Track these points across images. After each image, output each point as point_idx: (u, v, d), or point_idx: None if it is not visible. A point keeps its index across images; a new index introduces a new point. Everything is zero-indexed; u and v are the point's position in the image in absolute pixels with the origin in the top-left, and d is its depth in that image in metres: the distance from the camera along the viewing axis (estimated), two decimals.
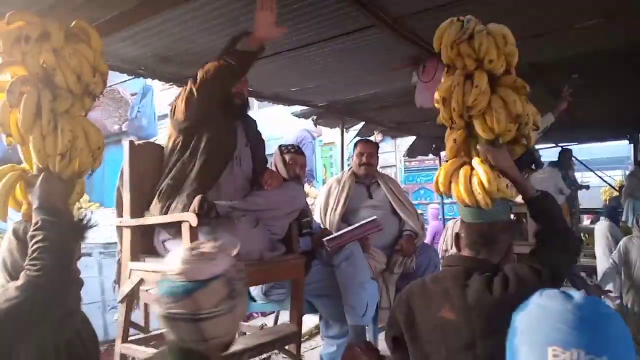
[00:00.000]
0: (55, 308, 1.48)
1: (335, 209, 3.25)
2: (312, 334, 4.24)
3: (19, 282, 1.42)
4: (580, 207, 7.57)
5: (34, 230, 1.48)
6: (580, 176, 9.40)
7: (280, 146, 2.95)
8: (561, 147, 6.90)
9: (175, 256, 1.31)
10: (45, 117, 1.61)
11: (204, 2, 2.21)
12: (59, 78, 1.65)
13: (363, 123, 5.40)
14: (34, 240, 1.46)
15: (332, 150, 10.37)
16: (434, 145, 6.79)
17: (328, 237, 2.77)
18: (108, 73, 1.84)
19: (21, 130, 1.62)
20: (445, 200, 7.43)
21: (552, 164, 6.18)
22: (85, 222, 1.61)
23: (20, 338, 1.40)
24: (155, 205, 2.21)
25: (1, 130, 1.63)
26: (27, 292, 1.39)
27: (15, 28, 1.63)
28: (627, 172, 7.64)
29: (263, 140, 2.53)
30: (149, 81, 4.61)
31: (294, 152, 2.90)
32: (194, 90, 2.14)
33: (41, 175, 1.61)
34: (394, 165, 10.84)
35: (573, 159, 6.87)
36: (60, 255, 1.48)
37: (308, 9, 2.36)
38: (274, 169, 2.78)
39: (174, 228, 2.15)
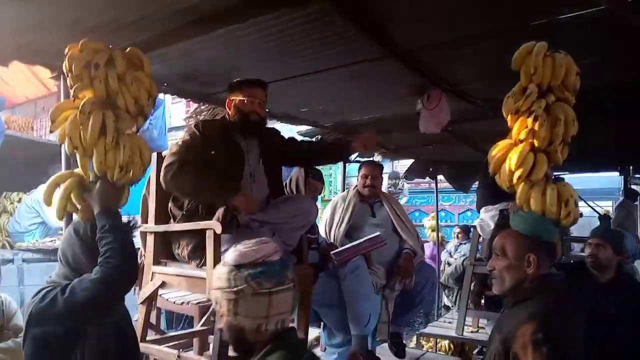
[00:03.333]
0: (122, 297, 1.72)
1: (340, 225, 3.39)
2: (311, 345, 4.36)
3: (94, 276, 1.67)
4: (571, 235, 7.75)
5: (103, 232, 1.72)
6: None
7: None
8: (554, 177, 7.10)
9: (237, 250, 1.43)
10: (110, 135, 1.87)
11: (230, 30, 2.41)
12: (120, 101, 1.91)
13: None
14: (104, 242, 1.71)
15: (332, 169, 10.56)
16: (430, 169, 6.99)
17: (335, 251, 2.93)
18: (157, 95, 2.07)
19: (87, 143, 1.85)
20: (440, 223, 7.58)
21: None
22: (131, 224, 1.83)
23: (92, 321, 1.68)
24: (181, 223, 2.36)
25: (69, 142, 1.83)
26: (102, 285, 1.65)
27: (86, 54, 1.89)
28: (617, 203, 7.84)
29: (279, 158, 2.68)
30: (161, 94, 4.81)
31: (317, 179, 3.09)
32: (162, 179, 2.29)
33: (99, 183, 1.85)
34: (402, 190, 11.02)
35: None
36: (127, 253, 1.73)
37: (327, 39, 2.56)
38: (293, 183, 2.96)
39: (194, 242, 2.30)
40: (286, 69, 3.04)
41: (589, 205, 8.73)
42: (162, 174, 2.28)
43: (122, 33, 2.37)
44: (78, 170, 1.95)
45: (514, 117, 1.95)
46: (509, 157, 1.95)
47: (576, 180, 8.59)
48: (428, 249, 7.48)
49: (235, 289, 1.34)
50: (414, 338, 4.86)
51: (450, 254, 7.82)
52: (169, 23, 2.31)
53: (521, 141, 1.94)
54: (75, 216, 2.02)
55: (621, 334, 2.36)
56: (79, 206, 1.90)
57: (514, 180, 1.94)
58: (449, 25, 2.43)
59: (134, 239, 1.88)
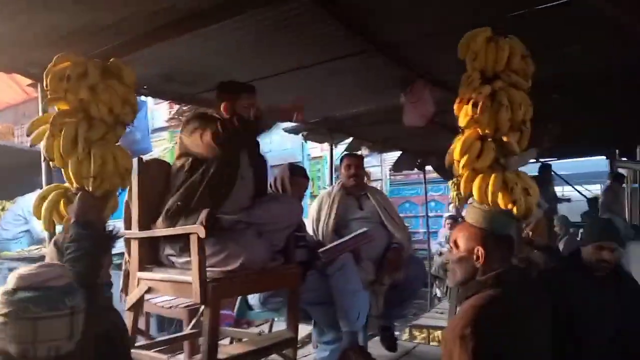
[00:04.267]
0: (88, 305, 1.68)
1: (327, 221, 3.37)
2: (303, 343, 4.37)
3: None
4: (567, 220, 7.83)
5: (68, 242, 1.71)
6: (561, 190, 9.70)
7: (290, 165, 3.10)
8: (541, 162, 7.15)
9: (18, 273, 1.41)
10: (80, 145, 1.87)
11: (210, 29, 2.38)
12: (93, 110, 1.90)
13: (351, 139, 5.57)
14: (68, 251, 1.70)
15: (320, 164, 10.57)
16: (419, 161, 7.01)
17: (322, 249, 2.92)
18: (137, 104, 2.05)
19: (62, 155, 1.87)
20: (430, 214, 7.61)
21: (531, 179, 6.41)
22: (113, 233, 1.81)
23: None
24: (162, 223, 2.33)
25: (47, 155, 1.84)
26: None
27: (60, 68, 1.91)
28: (604, 186, 7.93)
29: (265, 162, 2.69)
30: (143, 97, 4.77)
31: (302, 176, 3.07)
32: (215, 144, 2.23)
33: (78, 194, 1.85)
34: (380, 179, 11.05)
35: (553, 173, 7.13)
36: (90, 264, 1.70)
37: (306, 34, 2.55)
38: (279, 182, 2.94)
39: (180, 244, 2.29)
40: (267, 66, 3.02)
41: (577, 190, 8.84)
42: (212, 140, 2.20)
43: (99, 37, 2.33)
44: (66, 183, 1.95)
45: (459, 106, 1.92)
46: (454, 145, 1.91)
47: (564, 165, 8.72)
48: None
49: (2, 312, 1.32)
50: (407, 330, 4.88)
51: (441, 244, 7.86)
52: (146, 25, 2.28)
53: (464, 129, 1.90)
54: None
55: (624, 328, 2.24)
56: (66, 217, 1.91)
57: (460, 169, 1.90)
58: (429, 18, 2.43)
59: (113, 247, 1.85)
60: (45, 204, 1.91)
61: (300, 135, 5.11)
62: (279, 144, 9.62)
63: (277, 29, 2.45)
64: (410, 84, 3.33)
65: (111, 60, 2.02)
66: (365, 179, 3.82)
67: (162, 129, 9.50)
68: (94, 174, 1.86)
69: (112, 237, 1.85)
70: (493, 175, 1.83)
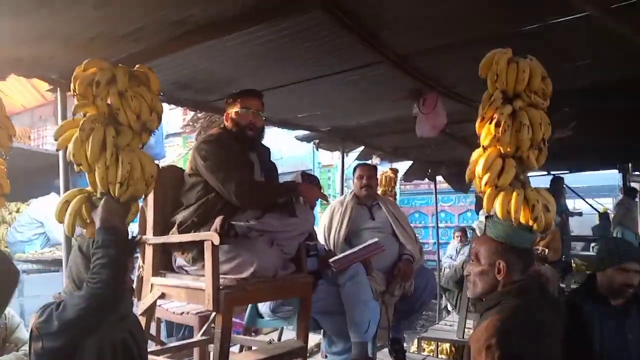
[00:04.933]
0: (112, 313, 1.74)
1: (339, 231, 3.38)
2: (312, 352, 4.37)
3: (82, 291, 1.69)
4: (572, 234, 7.77)
5: (96, 248, 1.73)
6: (573, 203, 9.63)
7: (303, 173, 3.12)
8: (553, 175, 7.12)
9: None
10: (109, 151, 1.88)
11: (225, 40, 2.41)
12: (121, 117, 1.92)
13: (362, 147, 5.60)
14: (95, 257, 1.71)
15: (330, 172, 10.58)
16: (429, 171, 7.01)
17: (333, 258, 2.92)
18: (163, 111, 2.09)
19: (89, 160, 1.88)
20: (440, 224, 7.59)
21: None
22: (136, 239, 1.84)
23: (84, 337, 1.68)
24: (178, 235, 2.36)
25: (74, 160, 1.88)
26: (88, 300, 1.66)
27: (89, 74, 1.91)
28: (616, 200, 7.86)
29: (276, 168, 2.72)
30: None
31: (314, 185, 3.07)
32: (237, 201, 2.35)
33: (103, 199, 1.87)
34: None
35: (565, 186, 7.10)
36: (116, 270, 1.72)
37: (319, 45, 2.57)
38: None
39: (192, 253, 2.33)
40: (282, 76, 3.05)
41: (588, 203, 8.78)
42: (234, 197, 2.32)
43: (117, 45, 2.39)
44: (88, 187, 1.97)
45: (481, 124, 1.96)
46: (477, 162, 1.95)
47: (576, 178, 8.66)
48: None
49: None
50: (415, 342, 4.85)
51: (451, 257, 7.81)
52: (164, 34, 2.33)
53: (487, 147, 1.94)
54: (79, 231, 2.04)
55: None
56: (89, 222, 1.91)
57: (482, 187, 1.94)
58: (442, 31, 2.44)
59: (136, 254, 1.88)
60: (69, 208, 1.90)
61: (312, 143, 5.13)
62: (290, 151, 9.65)
63: (291, 40, 2.48)
64: (423, 95, 3.35)
65: (137, 66, 2.04)
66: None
67: (176, 135, 9.58)
68: (121, 179, 1.86)
69: (136, 242, 1.88)
70: (515, 193, 1.88)
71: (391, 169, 5.65)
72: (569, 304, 2.36)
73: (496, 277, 1.75)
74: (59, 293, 1.85)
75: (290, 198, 2.46)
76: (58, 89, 2.77)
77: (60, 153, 2.70)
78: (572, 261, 5.97)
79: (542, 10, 2.22)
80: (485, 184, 1.91)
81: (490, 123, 1.89)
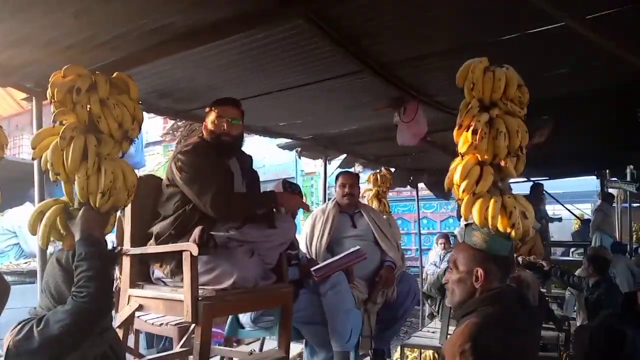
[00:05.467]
0: (97, 327, 1.68)
1: (321, 239, 3.37)
2: None
3: (67, 306, 1.62)
4: (552, 239, 7.87)
5: (79, 260, 1.67)
6: (552, 209, 9.76)
7: (284, 181, 3.10)
8: (533, 181, 7.21)
9: None
10: (91, 160, 1.82)
11: (205, 48, 2.40)
12: (103, 125, 1.87)
13: (345, 155, 5.60)
14: (79, 270, 1.66)
15: (313, 180, 10.58)
16: (411, 178, 7.04)
17: (315, 267, 2.91)
18: (143, 120, 2.04)
19: (68, 169, 1.81)
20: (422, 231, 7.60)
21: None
22: (116, 251, 1.79)
23: (67, 353, 1.62)
24: (156, 246, 2.32)
25: (51, 169, 1.81)
26: (74, 316, 1.60)
27: (69, 80, 1.85)
28: (595, 206, 8.00)
29: (258, 177, 2.69)
30: None
31: (295, 194, 3.04)
32: (213, 213, 2.32)
33: (82, 210, 1.81)
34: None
35: (544, 192, 7.18)
36: (102, 282, 1.68)
37: (300, 54, 2.58)
38: None
39: (170, 267, 2.29)
40: (263, 84, 3.05)
41: (567, 209, 8.90)
42: (210, 209, 2.29)
43: (96, 53, 2.35)
44: (63, 197, 1.90)
45: (459, 132, 1.98)
46: (455, 170, 1.96)
47: (555, 184, 8.79)
48: None
49: None
50: (398, 349, 4.84)
51: (435, 264, 7.83)
52: (143, 42, 2.30)
53: (464, 155, 1.95)
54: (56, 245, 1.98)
55: None
56: (64, 234, 1.85)
57: (460, 194, 1.95)
58: (422, 41, 2.47)
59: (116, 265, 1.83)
60: (44, 219, 1.84)
61: (294, 151, 5.12)
62: (273, 159, 9.63)
63: (272, 49, 2.48)
64: (404, 104, 3.36)
65: (116, 74, 1.99)
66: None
67: (156, 143, 9.48)
68: (104, 189, 1.81)
69: (117, 254, 1.83)
70: (492, 200, 1.88)
71: (386, 168, 5.59)
72: (608, 329, 2.25)
73: (474, 285, 1.75)
74: (34, 308, 1.79)
75: (269, 209, 2.44)
76: (33, 97, 2.72)
77: (36, 162, 2.64)
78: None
79: (520, 20, 2.26)
80: (463, 191, 1.92)
81: (468, 131, 1.90)
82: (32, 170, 2.72)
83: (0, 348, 2.97)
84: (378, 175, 5.44)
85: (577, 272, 4.71)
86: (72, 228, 1.80)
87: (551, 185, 8.22)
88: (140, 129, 2.02)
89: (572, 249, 8.35)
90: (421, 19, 2.23)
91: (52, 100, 1.86)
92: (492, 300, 1.71)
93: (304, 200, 2.99)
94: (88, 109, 1.87)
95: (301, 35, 2.34)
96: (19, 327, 1.64)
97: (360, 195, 4.57)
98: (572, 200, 10.16)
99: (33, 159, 2.02)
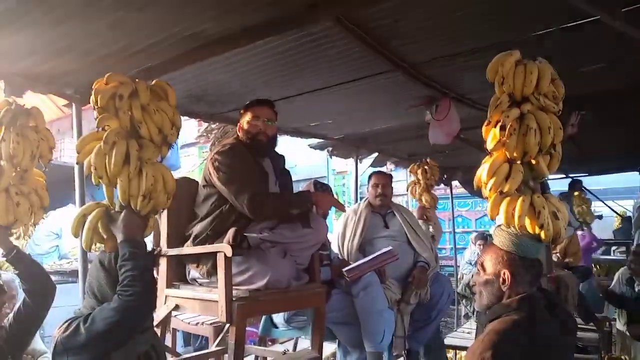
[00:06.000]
0: (142, 325, 1.76)
1: (353, 239, 3.37)
2: None
3: (113, 304, 1.69)
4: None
5: (123, 260, 1.74)
6: (593, 206, 9.45)
7: (315, 181, 3.12)
8: (571, 178, 7.01)
9: None
10: (133, 164, 1.89)
11: (237, 52, 2.44)
12: (144, 130, 1.94)
13: (376, 154, 5.58)
14: (123, 269, 1.73)
15: (344, 179, 10.57)
16: (445, 176, 6.94)
17: (347, 268, 2.91)
18: (182, 125, 2.10)
19: (111, 173, 1.88)
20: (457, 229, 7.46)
21: (561, 195, 6.30)
22: (156, 252, 1.85)
23: (112, 350, 1.70)
24: (191, 247, 2.38)
25: (95, 172, 1.88)
26: (121, 313, 1.67)
27: (111, 87, 1.93)
28: (636, 203, 7.70)
29: (290, 176, 2.72)
30: None
31: (327, 192, 3.07)
32: (250, 213, 2.34)
33: (123, 212, 1.88)
34: (405, 194, 10.95)
35: (583, 189, 6.98)
36: (146, 281, 1.76)
37: (333, 57, 2.59)
38: None
39: (206, 267, 2.34)
40: (294, 86, 3.07)
41: (608, 206, 8.62)
42: (246, 209, 2.31)
43: (132, 60, 2.42)
44: (104, 200, 1.97)
45: (487, 128, 1.91)
46: (482, 168, 1.89)
47: (595, 180, 8.51)
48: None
49: None
50: None
51: (471, 263, 7.71)
52: (176, 49, 2.35)
53: (492, 152, 1.88)
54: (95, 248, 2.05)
55: None
56: (105, 236, 1.92)
57: (487, 192, 1.88)
58: (453, 39, 2.44)
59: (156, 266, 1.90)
60: (87, 223, 1.91)
61: (326, 151, 5.14)
62: (304, 159, 9.67)
63: (302, 51, 2.50)
64: (436, 102, 3.33)
65: (155, 81, 2.05)
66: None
67: (190, 145, 9.65)
68: (144, 192, 1.87)
69: (156, 255, 1.90)
70: (520, 199, 1.81)
71: (431, 159, 5.33)
72: None
73: (501, 288, 1.69)
74: (79, 309, 1.87)
75: (305, 209, 2.47)
76: (73, 104, 2.82)
77: (77, 165, 2.74)
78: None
79: (553, 16, 2.20)
80: (490, 190, 1.86)
81: (496, 127, 1.85)
82: (73, 173, 2.82)
83: (47, 344, 3.10)
84: (425, 167, 5.16)
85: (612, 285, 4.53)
86: (114, 230, 1.86)
87: (591, 182, 7.97)
88: (178, 134, 2.07)
89: (613, 248, 8.07)
90: (451, 18, 2.21)
91: (95, 107, 1.93)
92: (518, 306, 1.64)
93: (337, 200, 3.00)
94: (129, 115, 1.93)
95: (331, 38, 2.35)
96: (66, 324, 1.73)
97: (407, 189, 4.55)
98: (614, 197, 9.83)
99: (77, 163, 2.10)
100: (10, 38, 2.11)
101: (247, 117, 2.56)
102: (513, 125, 1.82)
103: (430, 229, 4.36)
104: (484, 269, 1.76)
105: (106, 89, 1.92)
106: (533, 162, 1.88)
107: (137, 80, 2.00)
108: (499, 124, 1.83)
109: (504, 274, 1.69)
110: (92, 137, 1.96)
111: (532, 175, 1.90)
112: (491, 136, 1.88)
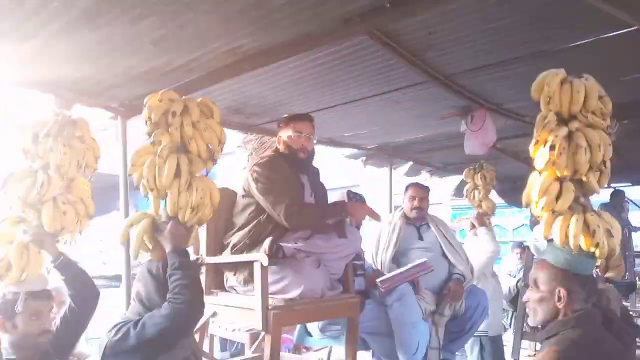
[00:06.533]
0: (192, 331, 1.82)
1: (387, 250, 3.35)
2: None
3: (164, 311, 1.78)
4: (636, 249, 7.35)
5: (173, 269, 1.83)
6: (636, 217, 9.11)
7: (348, 192, 3.14)
8: (613, 188, 6.80)
9: None
10: (184, 177, 1.98)
11: (274, 66, 2.50)
12: (192, 146, 2.03)
13: (411, 163, 5.56)
14: (173, 278, 1.82)
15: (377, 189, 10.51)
16: None
17: (381, 278, 2.91)
18: (226, 141, 2.18)
19: (162, 185, 1.97)
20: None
21: (603, 206, 6.11)
22: (200, 260, 1.93)
23: (159, 354, 1.79)
24: (229, 255, 2.45)
25: (147, 184, 1.98)
26: (172, 319, 1.76)
27: (164, 104, 2.03)
28: None
29: (325, 189, 2.76)
30: None
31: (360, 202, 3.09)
32: (286, 223, 2.41)
33: (170, 223, 1.96)
34: (441, 203, 10.83)
35: (626, 200, 6.76)
36: (196, 289, 1.84)
37: (368, 69, 2.63)
38: None
39: (243, 275, 2.40)
40: (329, 98, 3.12)
41: None
42: (283, 219, 2.38)
43: (172, 75, 2.53)
44: (150, 211, 2.06)
45: (535, 147, 1.90)
46: (532, 187, 1.88)
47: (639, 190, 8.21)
48: None
49: None
50: None
51: (510, 274, 7.53)
52: (215, 63, 2.44)
53: (542, 171, 1.87)
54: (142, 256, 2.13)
55: None
56: (150, 246, 2.00)
57: (539, 211, 1.87)
58: (488, 50, 2.43)
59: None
60: (136, 231, 2.00)
61: (360, 160, 5.15)
62: (338, 168, 9.68)
63: (338, 64, 2.55)
64: (471, 112, 3.31)
65: (200, 99, 2.14)
66: None
67: (227, 154, 9.81)
68: (194, 205, 1.97)
69: (200, 264, 1.98)
70: (574, 218, 1.79)
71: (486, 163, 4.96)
72: None
73: (556, 305, 1.69)
74: (125, 314, 1.96)
75: (340, 218, 2.50)
76: (119, 116, 2.95)
77: (121, 175, 2.86)
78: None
79: (589, 26, 2.18)
80: (542, 209, 1.85)
81: (545, 146, 1.84)
82: (116, 181, 2.94)
83: (90, 346, 3.21)
84: (482, 174, 4.63)
85: None
86: (162, 240, 1.94)
87: (635, 192, 7.70)
88: (222, 150, 2.15)
89: None
90: (485, 29, 2.21)
91: (148, 121, 2.03)
92: (576, 323, 1.65)
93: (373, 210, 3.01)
94: (180, 131, 2.02)
95: (365, 51, 2.39)
96: (115, 328, 1.82)
97: (464, 195, 4.44)
98: None
99: (129, 174, 2.18)
100: (59, 54, 2.25)
101: (288, 131, 2.60)
102: (562, 144, 1.81)
103: (487, 238, 4.17)
104: (537, 286, 1.76)
105: (159, 106, 2.01)
106: (583, 179, 1.86)
107: (187, 98, 2.08)
108: (548, 143, 1.82)
109: (560, 291, 1.69)
110: (146, 151, 2.05)
111: (583, 192, 1.89)
112: (540, 155, 1.87)
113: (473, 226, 4.14)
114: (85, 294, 2.12)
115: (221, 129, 2.12)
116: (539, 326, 1.78)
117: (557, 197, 1.83)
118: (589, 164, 1.83)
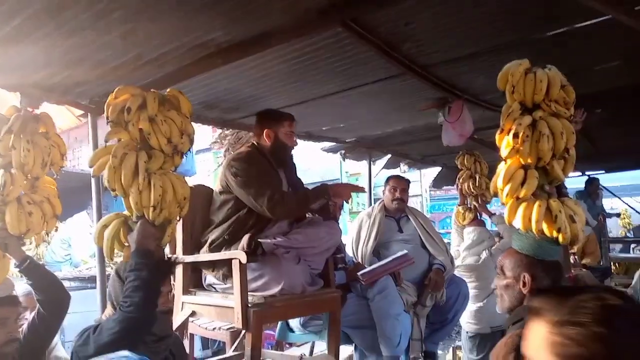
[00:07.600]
0: (145, 335, 1.78)
1: (367, 243, 3.37)
2: None
3: (115, 315, 1.74)
4: (610, 235, 7.52)
5: (129, 271, 1.78)
6: (610, 203, 9.32)
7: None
8: (588, 176, 6.93)
9: None
10: (141, 175, 1.92)
11: (248, 59, 2.45)
12: (153, 141, 1.97)
13: (389, 156, 5.56)
14: (128, 280, 1.77)
15: (358, 181, 10.53)
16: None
17: (362, 271, 2.91)
18: (194, 133, 2.11)
19: (124, 185, 1.91)
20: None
21: (578, 193, 6.22)
22: (172, 260, 1.88)
23: None
24: (207, 254, 2.41)
25: (109, 186, 1.92)
26: (121, 324, 1.70)
27: (121, 100, 1.97)
28: None
29: (302, 183, 2.73)
30: None
31: None
32: (270, 213, 2.37)
33: (138, 223, 1.91)
34: (420, 195, 10.90)
35: (600, 187, 6.89)
36: (148, 292, 1.77)
37: (344, 61, 2.59)
38: None
39: (223, 271, 2.36)
40: (306, 92, 3.08)
41: (625, 203, 8.49)
42: (267, 210, 2.34)
43: (144, 70, 2.45)
44: (124, 211, 2.01)
45: (500, 136, 1.93)
46: (498, 174, 1.91)
47: (612, 177, 8.40)
48: None
49: None
50: (450, 350, 4.78)
51: None
52: (188, 58, 2.37)
53: (507, 159, 1.90)
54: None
55: None
56: (123, 246, 1.96)
57: (503, 198, 1.90)
58: (463, 41, 2.42)
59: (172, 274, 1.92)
60: (107, 233, 1.95)
61: (339, 154, 5.14)
62: (317, 161, 9.66)
63: (313, 57, 2.51)
64: (448, 103, 3.31)
65: (168, 90, 2.07)
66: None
67: (205, 150, 9.70)
68: (154, 203, 1.90)
69: (172, 264, 1.92)
70: (536, 204, 1.83)
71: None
72: None
73: (522, 291, 1.71)
74: (99, 318, 1.90)
75: (325, 201, 2.48)
76: (89, 114, 2.86)
77: (93, 178, 2.78)
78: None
79: (564, 16, 2.18)
80: (507, 196, 1.88)
81: (509, 134, 1.87)
82: (89, 180, 2.86)
83: (67, 349, 3.14)
84: (476, 158, 4.42)
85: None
86: (130, 240, 1.89)
87: (608, 179, 7.86)
88: (191, 142, 2.09)
89: (632, 245, 7.96)
90: (460, 20, 2.19)
91: (108, 121, 1.96)
92: None
93: (343, 205, 3.01)
94: (139, 127, 1.96)
95: (341, 43, 2.35)
96: (80, 334, 1.77)
97: (456, 185, 4.38)
98: (632, 194, 9.68)
99: (92, 176, 2.11)
100: (24, 51, 2.15)
101: (285, 128, 2.60)
102: (525, 132, 1.85)
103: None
104: (503, 273, 1.79)
105: (116, 103, 1.96)
106: (547, 167, 1.88)
107: (149, 91, 2.01)
108: (512, 131, 1.85)
109: (524, 277, 1.71)
110: (103, 152, 2.00)
111: (548, 180, 1.92)
112: (505, 143, 1.91)
113: (475, 217, 4.17)
114: (53, 297, 2.04)
115: (183, 120, 2.06)
116: (505, 312, 1.79)
117: (522, 184, 1.87)
118: (552, 152, 1.88)
